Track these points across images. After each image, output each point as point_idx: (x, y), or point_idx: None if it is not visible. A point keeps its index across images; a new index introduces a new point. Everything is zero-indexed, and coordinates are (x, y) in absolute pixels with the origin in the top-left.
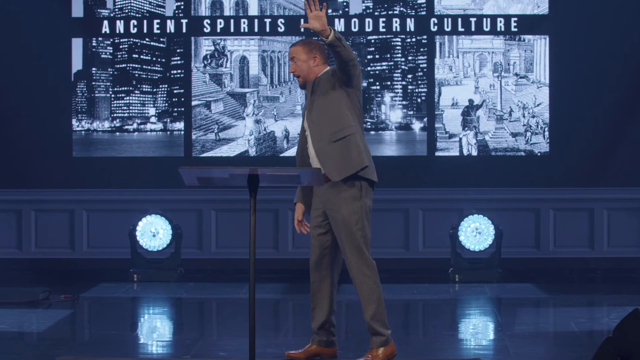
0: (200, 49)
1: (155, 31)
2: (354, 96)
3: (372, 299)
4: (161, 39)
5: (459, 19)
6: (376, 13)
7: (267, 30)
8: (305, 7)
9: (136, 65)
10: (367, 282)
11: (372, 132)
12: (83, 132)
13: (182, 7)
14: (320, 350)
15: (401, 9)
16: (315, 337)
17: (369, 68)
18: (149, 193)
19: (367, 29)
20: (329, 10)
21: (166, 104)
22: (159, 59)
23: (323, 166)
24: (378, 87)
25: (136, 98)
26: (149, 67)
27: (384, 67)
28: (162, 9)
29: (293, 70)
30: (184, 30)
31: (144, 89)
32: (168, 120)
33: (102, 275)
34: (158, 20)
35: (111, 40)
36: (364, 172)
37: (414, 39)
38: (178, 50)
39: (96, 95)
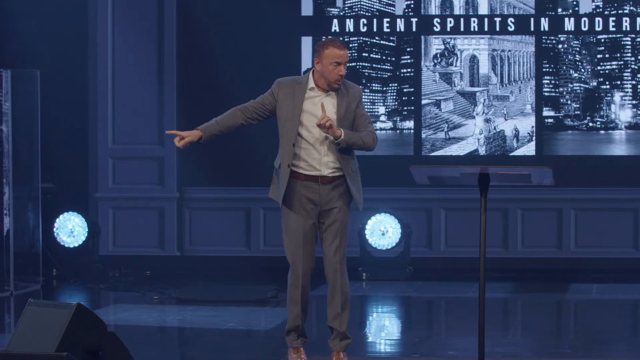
0: (430, 48)
1: (385, 30)
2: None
3: None
4: (391, 38)
5: None
6: (606, 12)
7: (497, 29)
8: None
9: (366, 64)
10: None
11: (602, 132)
12: None
13: (412, 5)
14: None
15: (631, 8)
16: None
17: (598, 67)
18: (379, 192)
19: (596, 28)
20: (559, 10)
21: (396, 103)
22: (389, 58)
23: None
24: (608, 87)
25: (366, 97)
26: (379, 66)
27: (614, 67)
28: (391, 8)
29: (344, 74)
30: (414, 29)
31: (373, 88)
32: (398, 119)
33: None
34: (388, 19)
35: (341, 38)
36: None
37: None
38: (408, 49)
39: None
